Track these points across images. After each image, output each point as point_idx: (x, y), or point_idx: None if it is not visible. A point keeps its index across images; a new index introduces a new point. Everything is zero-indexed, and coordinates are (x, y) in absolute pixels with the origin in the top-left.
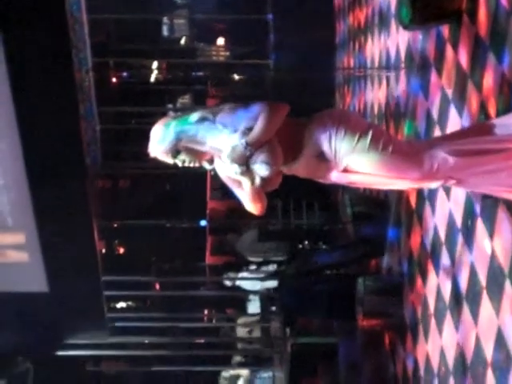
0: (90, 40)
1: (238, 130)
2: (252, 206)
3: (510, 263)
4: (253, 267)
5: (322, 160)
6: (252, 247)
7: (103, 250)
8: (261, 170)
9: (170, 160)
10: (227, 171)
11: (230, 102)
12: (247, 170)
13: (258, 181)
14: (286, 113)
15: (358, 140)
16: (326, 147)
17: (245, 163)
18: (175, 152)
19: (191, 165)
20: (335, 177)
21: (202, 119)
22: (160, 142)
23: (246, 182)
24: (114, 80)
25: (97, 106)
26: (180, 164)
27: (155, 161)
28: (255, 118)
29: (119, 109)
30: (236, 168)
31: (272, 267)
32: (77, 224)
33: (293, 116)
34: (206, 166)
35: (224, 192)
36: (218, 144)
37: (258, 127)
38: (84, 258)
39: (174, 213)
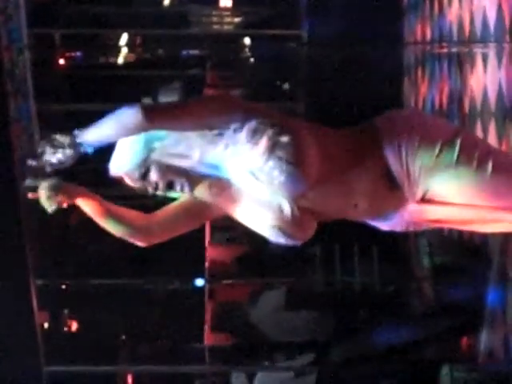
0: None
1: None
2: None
3: None
4: (279, 355)
5: (392, 184)
6: (275, 319)
7: (46, 325)
8: (276, 172)
9: (138, 184)
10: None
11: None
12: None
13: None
14: None
15: (441, 151)
16: (393, 164)
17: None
18: (142, 169)
19: (177, 192)
20: (410, 212)
21: None
22: (127, 153)
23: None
24: (60, 62)
25: (36, 102)
26: (151, 191)
27: (125, 185)
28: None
29: (69, 106)
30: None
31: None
32: (4, 284)
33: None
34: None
35: (232, 233)
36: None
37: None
38: (17, 337)
39: (155, 267)
